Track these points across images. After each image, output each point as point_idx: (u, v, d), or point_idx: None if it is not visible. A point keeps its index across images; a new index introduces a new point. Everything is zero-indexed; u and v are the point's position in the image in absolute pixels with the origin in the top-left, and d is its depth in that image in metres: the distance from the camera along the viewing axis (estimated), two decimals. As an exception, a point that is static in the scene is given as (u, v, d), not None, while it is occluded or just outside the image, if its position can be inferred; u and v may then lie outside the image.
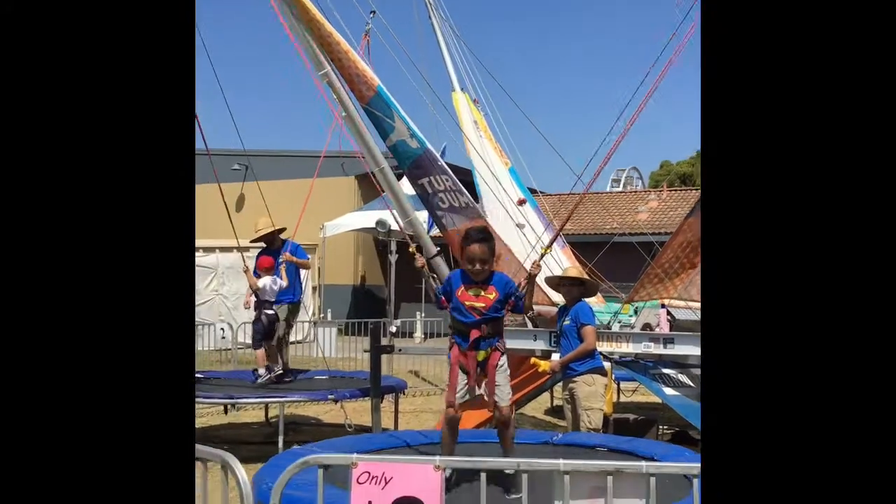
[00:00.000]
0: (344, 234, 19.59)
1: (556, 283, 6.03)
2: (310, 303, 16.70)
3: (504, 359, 4.08)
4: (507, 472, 3.42)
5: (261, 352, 7.66)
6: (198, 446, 2.25)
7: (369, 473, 2.12)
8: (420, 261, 4.44)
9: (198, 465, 2.23)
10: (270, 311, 7.59)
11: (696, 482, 2.15)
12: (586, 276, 5.99)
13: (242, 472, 2.17)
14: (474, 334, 3.95)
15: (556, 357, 5.80)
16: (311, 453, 3.74)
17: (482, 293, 3.99)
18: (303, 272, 8.66)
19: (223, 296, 17.22)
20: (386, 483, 2.10)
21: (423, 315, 17.46)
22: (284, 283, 7.71)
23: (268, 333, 7.62)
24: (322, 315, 17.67)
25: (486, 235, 4.05)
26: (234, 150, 17.37)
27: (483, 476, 2.18)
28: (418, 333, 17.68)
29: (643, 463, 2.14)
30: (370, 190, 21.35)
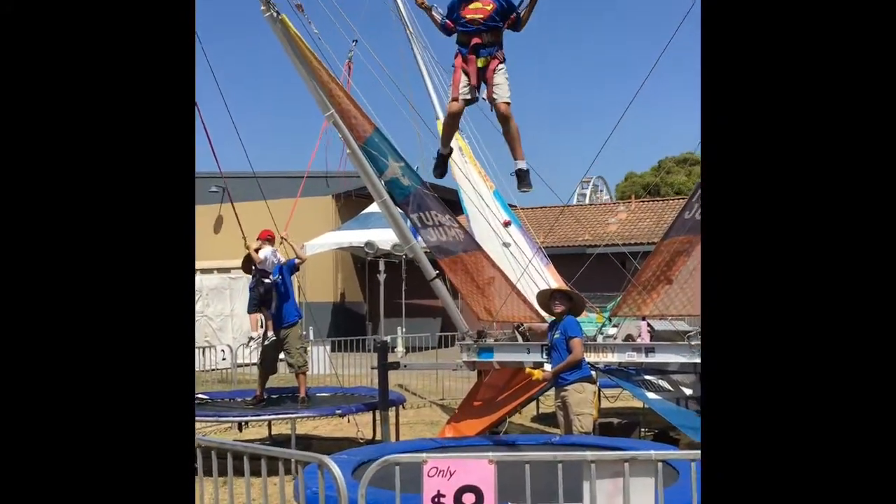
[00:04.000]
0: (323, 253, 19.97)
1: (548, 296, 6.56)
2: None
3: (503, 65, 4.62)
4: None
5: (255, 316, 8.02)
6: (291, 451, 2.75)
7: (437, 468, 2.66)
8: None
9: (294, 465, 2.72)
10: (268, 280, 7.98)
11: (695, 465, 2.72)
12: (574, 293, 6.56)
13: (338, 471, 2.68)
14: (475, 41, 4.55)
15: (548, 367, 6.35)
16: (349, 461, 4.24)
17: (480, 5, 4.59)
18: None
19: (208, 317, 17.51)
20: (451, 475, 2.63)
21: (403, 330, 17.98)
22: (283, 258, 8.16)
23: (264, 301, 7.97)
24: (305, 332, 17.98)
25: None
26: (212, 172, 17.61)
27: (527, 467, 2.72)
28: (399, 348, 18.16)
29: (652, 451, 2.71)
30: (347, 209, 21.82)
